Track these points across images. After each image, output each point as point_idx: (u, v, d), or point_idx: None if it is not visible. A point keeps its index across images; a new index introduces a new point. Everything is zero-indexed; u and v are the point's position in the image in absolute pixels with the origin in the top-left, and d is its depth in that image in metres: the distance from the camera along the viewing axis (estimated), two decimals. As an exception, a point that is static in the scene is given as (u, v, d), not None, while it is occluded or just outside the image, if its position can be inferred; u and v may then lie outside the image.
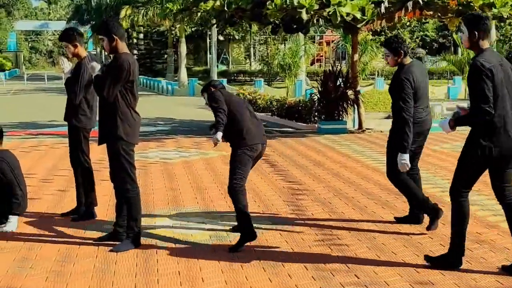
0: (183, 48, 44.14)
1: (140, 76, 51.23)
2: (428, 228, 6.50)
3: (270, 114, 20.39)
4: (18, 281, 5.11)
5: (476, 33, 5.10)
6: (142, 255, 5.77)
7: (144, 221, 6.84)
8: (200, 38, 58.21)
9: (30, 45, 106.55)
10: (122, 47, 5.95)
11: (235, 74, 48.54)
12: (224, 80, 35.45)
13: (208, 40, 50.10)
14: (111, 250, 5.88)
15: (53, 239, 6.31)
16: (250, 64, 53.91)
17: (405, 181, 6.48)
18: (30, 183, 9.22)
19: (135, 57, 55.96)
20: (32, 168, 10.42)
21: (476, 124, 5.09)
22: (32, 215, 7.26)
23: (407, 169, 6.25)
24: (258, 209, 7.56)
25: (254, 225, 6.43)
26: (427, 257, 5.50)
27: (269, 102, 20.89)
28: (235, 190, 5.95)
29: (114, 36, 5.90)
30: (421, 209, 6.63)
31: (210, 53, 44.02)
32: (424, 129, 6.54)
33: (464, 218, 5.30)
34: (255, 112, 6.54)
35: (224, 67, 52.30)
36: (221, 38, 52.49)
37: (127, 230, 6.06)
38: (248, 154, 6.09)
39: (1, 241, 6.23)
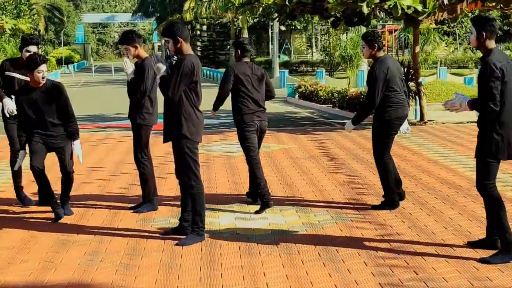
0: (246, 39, 44.33)
1: (203, 68, 51.75)
2: None
3: (331, 105, 20.37)
4: (89, 274, 5.34)
5: (484, 33, 5.43)
6: (206, 249, 5.94)
7: (208, 215, 7.02)
8: (262, 28, 58.35)
9: (97, 37, 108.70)
10: (187, 48, 6.15)
11: (296, 65, 48.48)
12: (286, 71, 35.48)
13: (270, 31, 50.18)
14: (176, 244, 6.07)
15: (122, 232, 6.54)
16: (312, 55, 53.74)
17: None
18: (99, 177, 9.55)
19: (198, 48, 56.57)
20: (100, 162, 10.75)
21: (487, 119, 5.38)
22: (101, 209, 7.53)
23: None
24: (318, 203, 7.65)
25: (315, 218, 6.51)
26: (482, 259, 5.50)
27: (330, 94, 20.87)
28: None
29: (179, 38, 6.09)
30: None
31: (272, 44, 44.08)
32: (406, 113, 7.27)
33: (500, 207, 5.46)
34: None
35: (286, 58, 52.33)
36: (283, 28, 52.54)
37: (192, 225, 6.24)
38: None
39: (72, 234, 6.50)
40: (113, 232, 6.57)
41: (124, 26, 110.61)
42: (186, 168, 6.15)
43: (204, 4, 42.16)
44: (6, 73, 7.64)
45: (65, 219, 7.05)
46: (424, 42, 26.04)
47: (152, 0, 66.63)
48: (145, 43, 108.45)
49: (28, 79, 7.14)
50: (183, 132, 6.08)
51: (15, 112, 7.26)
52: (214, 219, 7.00)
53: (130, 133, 14.41)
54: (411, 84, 15.81)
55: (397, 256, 5.68)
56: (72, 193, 7.69)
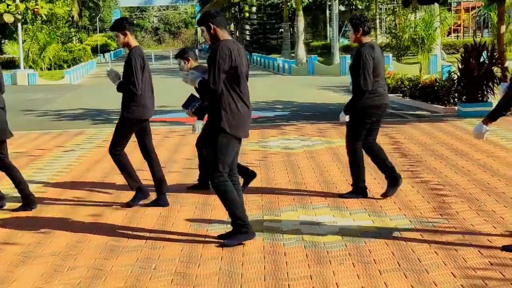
0: (301, 21, 44.25)
1: (253, 54, 51.86)
2: None
3: (401, 95, 20.19)
4: (143, 283, 5.39)
5: None
6: (270, 258, 5.93)
7: (270, 220, 7.03)
8: (319, 9, 58.22)
9: (135, 22, 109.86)
10: (223, 34, 6.31)
11: (358, 49, 48.09)
12: (347, 57, 35.25)
13: (328, 12, 50.03)
14: (220, 245, 6.23)
15: (175, 237, 6.59)
16: (376, 37, 53.33)
17: None
18: (147, 176, 9.62)
19: (247, 32, 56.91)
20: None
21: None
22: (151, 211, 7.60)
23: None
24: (393, 206, 7.58)
25: (391, 222, 6.46)
26: None
27: (399, 82, 20.67)
28: None
29: (211, 25, 6.27)
30: None
31: (330, 26, 43.92)
32: (383, 102, 7.91)
33: None
34: None
35: (346, 41, 52.03)
36: (342, 8, 52.31)
37: (231, 225, 6.35)
38: None
39: (123, 238, 6.58)
40: (166, 237, 6.63)
41: (164, 9, 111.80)
42: (215, 162, 6.21)
43: (255, -16, 42.25)
44: None
45: (113, 222, 7.14)
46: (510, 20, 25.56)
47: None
48: (186, 28, 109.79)
49: None
50: (222, 125, 6.14)
51: None
52: (276, 224, 6.99)
53: (177, 127, 14.70)
54: (496, 68, 15.53)
55: (490, 266, 5.57)
56: (118, 194, 7.80)
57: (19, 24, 32.85)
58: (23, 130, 15.09)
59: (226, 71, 6.09)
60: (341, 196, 8.08)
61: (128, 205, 7.88)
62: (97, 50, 65.27)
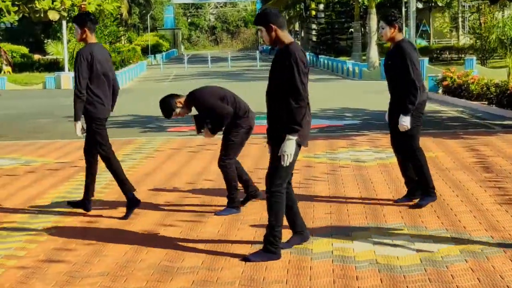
0: (373, 20, 44.00)
1: (320, 57, 51.86)
2: None
3: (486, 102, 19.96)
4: (200, 308, 5.44)
5: None
6: (341, 282, 5.91)
7: (340, 239, 7.01)
8: (393, 6, 57.77)
9: (189, 20, 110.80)
10: (284, 36, 6.41)
11: (438, 51, 47.81)
12: (425, 59, 34.96)
13: (404, 9, 49.70)
14: (243, 259, 6.52)
15: (234, 258, 6.62)
16: (458, 38, 52.81)
17: None
18: (202, 186, 9.71)
19: (314, 32, 57.08)
20: (205, 172, 10.95)
21: None
22: (207, 229, 7.65)
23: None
24: (479, 226, 7.49)
25: (476, 245, 6.40)
26: None
27: (485, 88, 20.42)
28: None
29: (272, 26, 6.37)
30: None
31: (406, 26, 43.65)
32: (426, 96, 8.60)
33: None
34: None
35: (424, 42, 51.69)
36: (420, 6, 51.94)
37: (264, 239, 6.59)
38: None
39: (177, 257, 6.64)
40: (224, 257, 6.66)
41: (222, 6, 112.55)
42: (275, 171, 6.43)
43: (322, -21, 42.28)
44: None
45: (167, 242, 7.22)
46: None
47: (256, -26, 67.45)
48: (246, 27, 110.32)
49: None
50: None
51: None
52: (347, 245, 6.97)
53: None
54: None
55: None
56: (170, 209, 7.90)
57: (64, 22, 33.45)
58: (66, 139, 15.36)
59: (306, 73, 6.26)
60: (417, 205, 8.37)
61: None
62: (148, 51, 66.04)
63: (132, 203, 8.40)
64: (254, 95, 27.14)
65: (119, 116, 20.68)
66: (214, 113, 8.05)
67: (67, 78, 35.18)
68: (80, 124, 8.52)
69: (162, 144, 14.23)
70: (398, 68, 8.19)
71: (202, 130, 8.31)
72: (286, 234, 6.84)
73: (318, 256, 6.63)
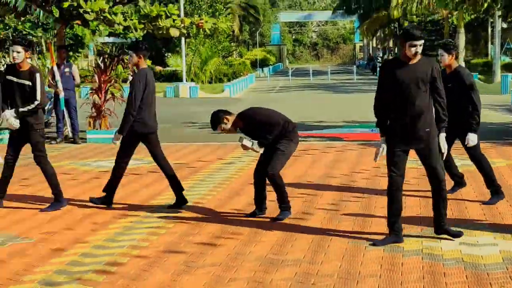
0: (461, 39, 43.16)
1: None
2: None
3: None
4: (301, 297, 5.44)
5: None
6: (429, 278, 5.83)
7: (430, 238, 6.91)
8: (480, 26, 56.59)
9: (293, 37, 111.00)
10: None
11: (521, 67, 46.41)
12: (509, 75, 34.01)
13: (489, 29, 48.54)
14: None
15: (333, 254, 6.60)
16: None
17: None
18: (304, 187, 9.70)
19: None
20: (304, 175, 10.95)
21: None
22: (309, 226, 7.65)
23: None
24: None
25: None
26: None
27: None
28: None
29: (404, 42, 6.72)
30: None
31: (492, 43, 42.59)
32: None
33: None
34: None
35: (507, 59, 50.24)
36: (504, 26, 50.56)
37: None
38: None
39: (282, 251, 6.66)
40: (323, 252, 6.65)
41: (323, 25, 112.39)
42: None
43: (415, 0, 41.65)
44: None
45: (272, 235, 7.24)
46: None
47: (355, -4, 67.01)
48: (345, 43, 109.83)
49: (19, 81, 8.56)
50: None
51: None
52: (435, 244, 6.85)
53: (335, 143, 14.71)
54: None
55: None
56: (275, 207, 7.93)
57: (183, 38, 34.12)
58: (184, 142, 15.62)
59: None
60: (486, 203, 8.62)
61: None
62: (256, 64, 66.44)
63: (180, 202, 8.81)
64: (350, 105, 27.08)
65: (230, 123, 20.90)
66: (265, 126, 7.84)
67: (185, 88, 35.73)
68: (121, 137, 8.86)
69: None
70: (457, 91, 8.46)
71: (245, 143, 7.99)
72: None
73: (409, 253, 6.56)
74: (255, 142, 7.89)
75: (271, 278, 5.92)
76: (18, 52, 8.52)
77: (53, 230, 7.78)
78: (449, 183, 8.90)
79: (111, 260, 6.57)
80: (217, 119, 8.08)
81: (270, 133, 7.77)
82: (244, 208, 8.55)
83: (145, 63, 8.81)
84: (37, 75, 8.66)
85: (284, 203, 8.00)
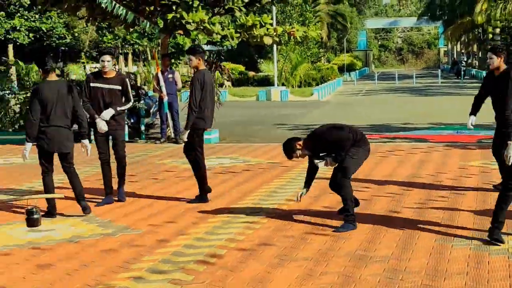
0: (546, 43, 41.79)
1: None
2: None
3: None
4: (390, 292, 5.38)
5: None
6: None
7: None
8: None
9: (379, 43, 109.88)
10: None
11: None
12: None
13: None
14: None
15: (420, 252, 6.50)
16: None
17: None
18: (391, 190, 9.58)
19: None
20: (391, 175, 10.82)
21: None
22: (397, 224, 7.56)
23: None
24: None
25: None
26: None
27: None
28: None
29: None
30: None
31: None
32: None
33: None
34: None
35: None
36: None
37: None
38: None
39: (370, 248, 6.61)
40: (411, 250, 6.56)
41: (408, 30, 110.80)
42: None
43: (499, 6, 40.53)
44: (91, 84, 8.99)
45: (361, 234, 7.19)
46: None
47: (440, 2, 65.77)
48: (429, 48, 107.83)
49: (109, 87, 8.91)
50: None
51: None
52: (522, 244, 6.66)
53: (420, 144, 14.48)
54: None
55: None
56: (365, 205, 7.85)
57: (275, 45, 34.22)
58: (276, 143, 15.68)
59: None
60: None
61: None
62: (343, 69, 66.03)
63: (201, 199, 9.06)
64: (435, 107, 26.60)
65: (319, 124, 20.83)
66: (336, 143, 7.52)
67: (276, 92, 35.87)
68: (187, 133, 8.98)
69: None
70: (504, 93, 8.47)
71: (320, 166, 7.78)
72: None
73: (495, 252, 6.39)
74: (328, 158, 7.58)
75: (360, 273, 5.87)
76: (108, 61, 8.91)
77: (158, 223, 7.95)
78: None
79: (211, 251, 6.66)
80: (290, 148, 7.65)
81: (342, 149, 7.47)
82: (334, 205, 8.51)
83: (203, 65, 9.03)
84: (127, 80, 9.18)
85: (348, 214, 7.48)
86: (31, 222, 7.69)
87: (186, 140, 9.02)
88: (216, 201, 9.08)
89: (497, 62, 8.63)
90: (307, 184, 7.93)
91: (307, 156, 7.78)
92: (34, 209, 7.72)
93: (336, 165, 7.58)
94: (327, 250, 6.61)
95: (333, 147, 7.55)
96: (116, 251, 6.80)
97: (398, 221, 7.74)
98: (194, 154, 9.06)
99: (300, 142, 7.65)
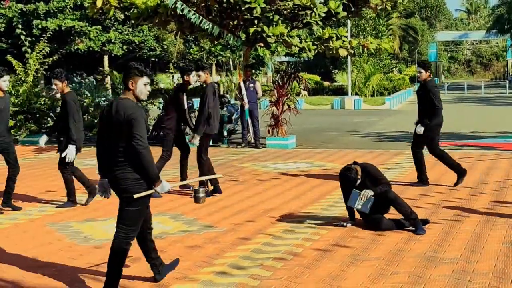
0: None
1: None
2: None
3: None
4: (458, 293, 5.27)
5: None
6: None
7: None
8: None
9: (449, 55, 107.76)
10: None
11: None
12: None
13: None
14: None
15: (488, 254, 6.34)
16: None
17: None
18: (460, 195, 9.37)
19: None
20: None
21: None
22: (467, 228, 7.39)
23: None
24: None
25: None
26: None
27: None
28: None
29: None
30: None
31: None
32: None
33: None
34: None
35: None
36: None
37: None
38: None
39: (440, 250, 6.48)
40: (479, 252, 6.41)
41: (477, 43, 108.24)
42: None
43: None
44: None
45: (431, 236, 7.06)
46: None
47: (508, 16, 63.96)
48: (497, 60, 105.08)
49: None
50: None
51: None
52: None
53: (489, 152, 14.11)
54: None
55: None
56: (434, 208, 7.69)
57: (349, 57, 34.06)
58: (349, 148, 15.58)
59: None
60: None
61: None
62: (414, 80, 64.98)
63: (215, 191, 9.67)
64: (502, 116, 25.86)
65: (391, 132, 20.61)
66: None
67: (349, 101, 35.62)
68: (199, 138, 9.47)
69: (426, 156, 13.84)
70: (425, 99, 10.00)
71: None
72: None
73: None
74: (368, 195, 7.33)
75: (430, 273, 5.77)
76: (199, 76, 9.63)
77: (239, 222, 8.01)
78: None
79: (288, 249, 6.67)
80: (352, 178, 7.43)
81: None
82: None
83: (211, 78, 9.62)
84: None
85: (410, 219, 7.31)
86: (197, 199, 8.50)
87: (197, 144, 9.50)
88: (293, 203, 9.08)
89: (425, 75, 10.06)
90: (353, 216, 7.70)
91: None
92: (200, 189, 8.55)
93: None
94: (398, 251, 6.53)
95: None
96: (200, 247, 6.88)
97: (467, 225, 7.57)
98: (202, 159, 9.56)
99: (358, 170, 7.51)
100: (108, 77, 24.62)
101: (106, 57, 36.99)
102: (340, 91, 44.23)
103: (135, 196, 5.04)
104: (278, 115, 16.60)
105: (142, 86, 5.21)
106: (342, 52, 17.64)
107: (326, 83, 49.60)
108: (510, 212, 8.17)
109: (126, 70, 5.20)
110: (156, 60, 45.28)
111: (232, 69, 42.99)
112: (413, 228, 7.26)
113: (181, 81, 9.92)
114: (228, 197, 9.64)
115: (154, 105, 18.95)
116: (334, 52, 17.61)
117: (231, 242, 7.02)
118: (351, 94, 38.11)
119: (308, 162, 13.43)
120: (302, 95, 40.45)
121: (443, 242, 6.83)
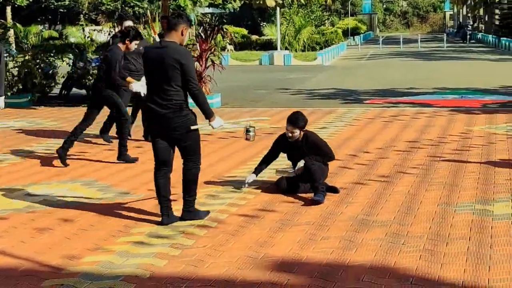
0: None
1: (502, 39, 49.54)
2: None
3: None
4: (392, 256, 5.40)
5: None
6: (519, 242, 5.69)
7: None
8: None
9: (384, 6, 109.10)
10: None
11: None
12: None
13: None
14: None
15: (422, 216, 6.52)
16: None
17: None
18: (394, 155, 9.58)
19: (497, 17, 54.28)
20: (395, 140, 10.81)
21: None
22: (401, 189, 7.56)
23: None
24: None
25: None
26: None
27: None
28: None
29: None
30: None
31: None
32: None
33: None
34: None
35: None
36: None
37: None
38: None
39: (372, 213, 6.63)
40: (413, 215, 6.58)
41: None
42: None
43: (507, -33, 40.13)
44: None
45: (363, 199, 7.21)
46: None
47: (446, -36, 65.06)
48: (435, 12, 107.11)
49: None
50: None
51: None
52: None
53: (425, 109, 14.45)
54: None
55: None
56: (365, 170, 7.83)
57: (278, 8, 33.99)
58: (278, 107, 15.64)
59: None
60: None
61: None
62: (347, 33, 65.60)
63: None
64: (440, 72, 26.48)
65: (322, 89, 20.80)
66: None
67: (279, 56, 35.68)
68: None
69: (359, 114, 14.14)
70: None
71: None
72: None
73: (498, 217, 6.41)
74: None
75: (362, 237, 5.90)
76: None
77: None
78: None
79: (212, 216, 6.68)
80: (299, 119, 7.74)
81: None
82: (336, 171, 8.51)
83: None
84: None
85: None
86: (248, 137, 8.27)
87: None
88: (218, 166, 9.09)
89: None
90: (259, 170, 7.88)
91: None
92: (251, 128, 8.30)
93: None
94: (328, 215, 6.63)
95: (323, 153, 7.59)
96: (115, 215, 6.81)
97: (400, 186, 7.75)
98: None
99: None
100: (11, 30, 23.85)
101: (9, 8, 35.76)
102: (269, 46, 44.16)
103: (192, 127, 6.37)
104: (201, 71, 16.46)
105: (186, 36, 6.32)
106: (270, 3, 17.69)
107: (253, 37, 49.44)
108: (446, 172, 8.41)
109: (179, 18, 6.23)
110: (65, 11, 44.11)
111: (150, 21, 42.34)
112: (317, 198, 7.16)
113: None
114: (148, 161, 9.54)
115: (63, 61, 18.40)
116: (261, 2, 17.59)
117: (149, 210, 6.97)
118: (281, 49, 38.14)
119: (234, 122, 13.40)
120: (227, 50, 40.30)
121: (376, 204, 6.98)
